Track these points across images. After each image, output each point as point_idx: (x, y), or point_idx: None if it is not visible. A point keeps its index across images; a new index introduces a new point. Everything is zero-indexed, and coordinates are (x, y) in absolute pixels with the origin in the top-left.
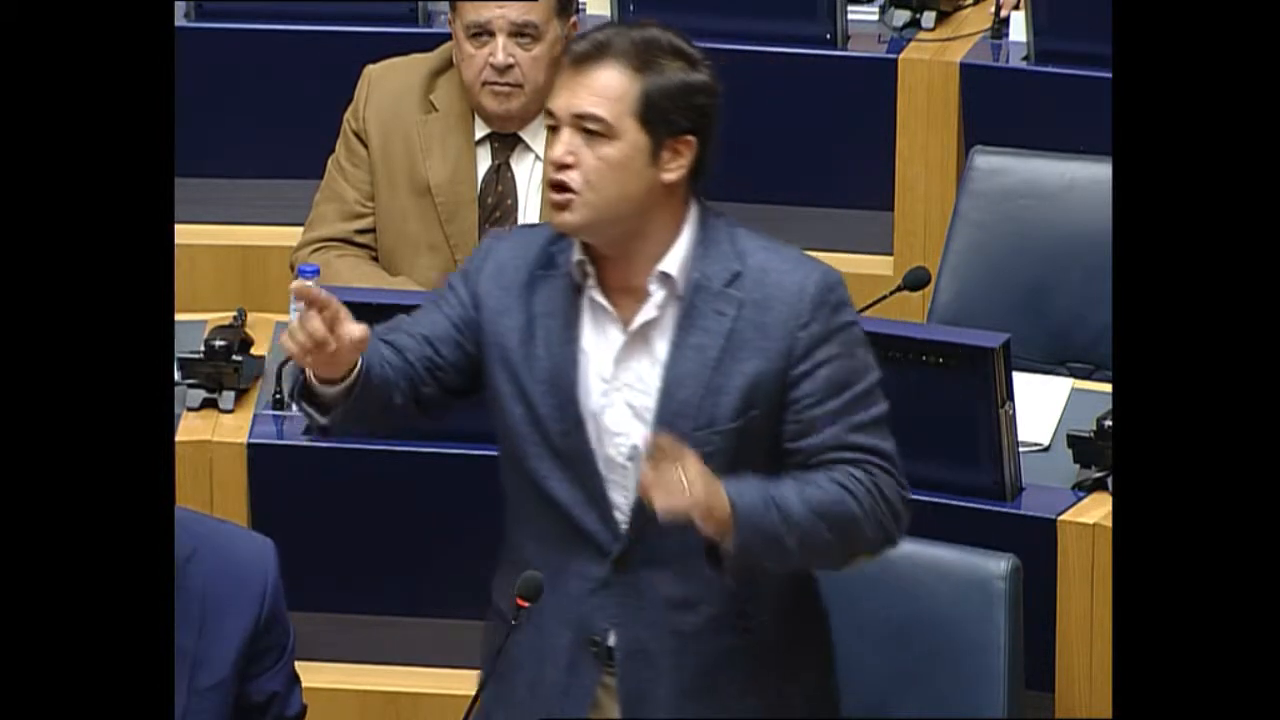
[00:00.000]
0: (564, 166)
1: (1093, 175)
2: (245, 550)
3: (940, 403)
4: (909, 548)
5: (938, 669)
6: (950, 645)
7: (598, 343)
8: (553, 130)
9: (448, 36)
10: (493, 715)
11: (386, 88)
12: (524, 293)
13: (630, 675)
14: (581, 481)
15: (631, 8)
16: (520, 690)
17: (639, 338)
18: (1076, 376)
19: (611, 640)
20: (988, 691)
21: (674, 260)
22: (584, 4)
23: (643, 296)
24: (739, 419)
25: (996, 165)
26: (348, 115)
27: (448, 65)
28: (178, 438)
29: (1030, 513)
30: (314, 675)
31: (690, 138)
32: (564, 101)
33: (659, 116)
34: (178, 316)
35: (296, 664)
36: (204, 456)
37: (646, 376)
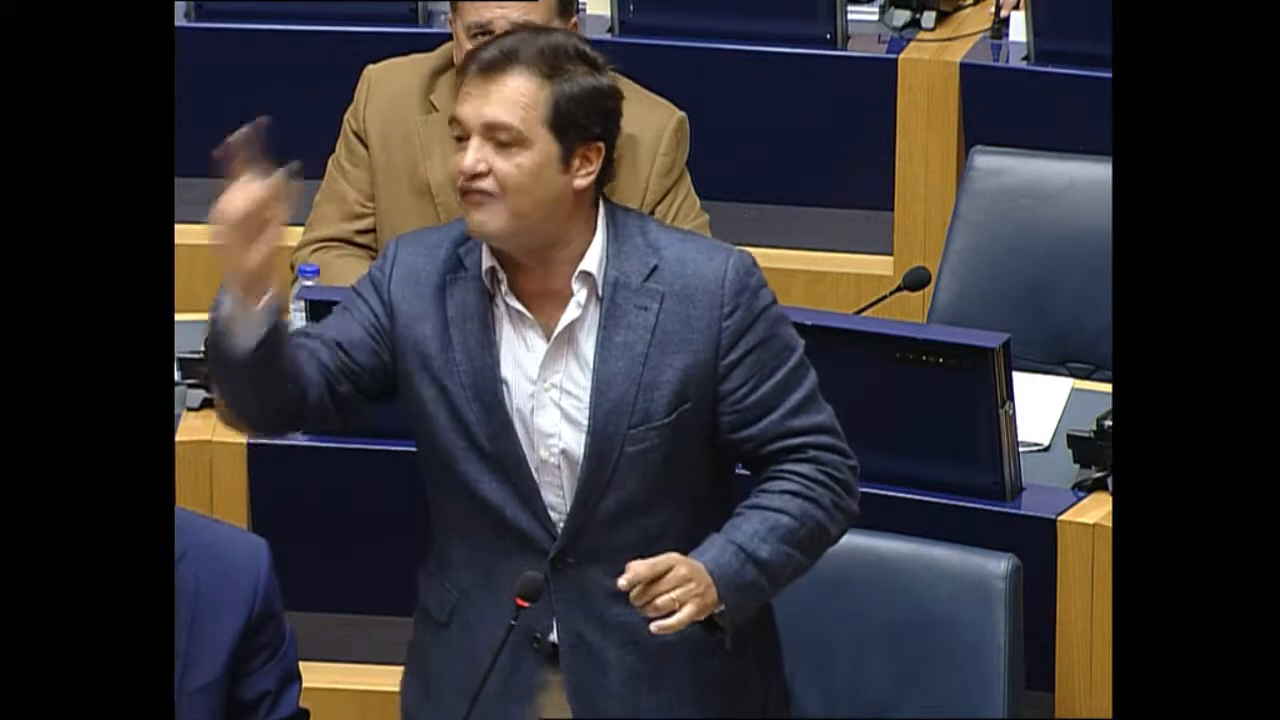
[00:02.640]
0: (476, 176)
1: (1093, 175)
2: (236, 551)
3: (940, 403)
4: (909, 547)
5: (938, 669)
6: (950, 645)
7: (519, 347)
8: (459, 139)
9: (448, 36)
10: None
11: (387, 88)
12: (437, 296)
13: (576, 670)
14: (514, 483)
15: (631, 8)
16: (449, 695)
17: (563, 340)
18: (1076, 376)
19: (554, 636)
20: (987, 691)
21: (591, 260)
22: (584, 4)
23: (561, 300)
24: (673, 414)
25: (996, 165)
26: (348, 115)
27: (448, 65)
28: (178, 438)
29: (1030, 513)
30: (314, 675)
31: (599, 143)
32: (473, 109)
33: (570, 123)
34: (178, 316)
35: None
36: (204, 456)
37: (575, 378)
